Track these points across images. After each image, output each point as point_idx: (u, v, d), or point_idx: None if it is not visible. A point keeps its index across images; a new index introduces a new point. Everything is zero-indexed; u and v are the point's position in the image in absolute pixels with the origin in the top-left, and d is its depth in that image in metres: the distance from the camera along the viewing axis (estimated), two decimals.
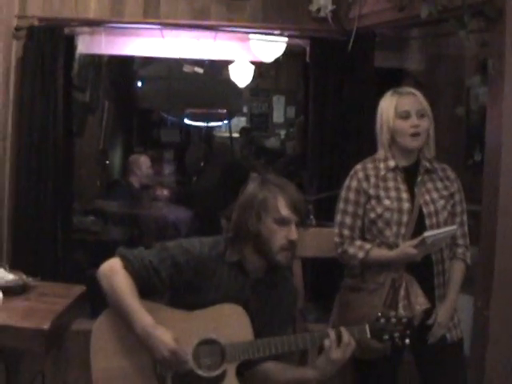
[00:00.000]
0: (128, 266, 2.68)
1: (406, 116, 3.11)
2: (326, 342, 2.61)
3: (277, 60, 5.95)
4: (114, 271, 2.68)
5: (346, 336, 2.60)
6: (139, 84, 9.72)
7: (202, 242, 2.78)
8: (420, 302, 3.02)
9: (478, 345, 3.68)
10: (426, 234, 2.94)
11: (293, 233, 2.69)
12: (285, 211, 2.68)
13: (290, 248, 2.70)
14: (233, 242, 2.78)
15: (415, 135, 3.11)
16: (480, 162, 4.27)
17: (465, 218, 3.24)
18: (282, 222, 2.68)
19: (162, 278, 2.68)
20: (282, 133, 11.31)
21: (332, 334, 2.61)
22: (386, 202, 3.11)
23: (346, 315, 3.11)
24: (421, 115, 3.12)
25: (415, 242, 2.97)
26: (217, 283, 2.73)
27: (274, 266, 2.77)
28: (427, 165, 3.19)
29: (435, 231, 3.01)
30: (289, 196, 2.70)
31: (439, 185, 3.20)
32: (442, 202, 3.15)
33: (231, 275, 2.75)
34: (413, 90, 3.18)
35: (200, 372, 2.61)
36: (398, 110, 3.12)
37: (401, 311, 2.78)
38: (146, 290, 2.68)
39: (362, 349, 2.69)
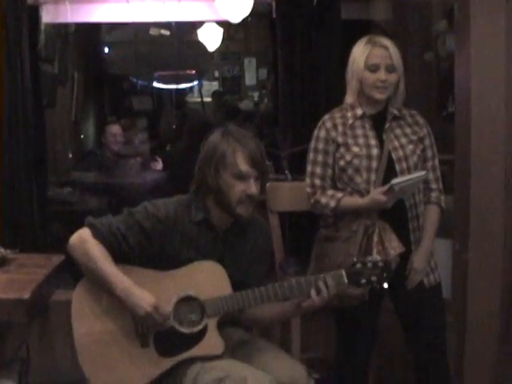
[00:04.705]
0: (97, 234, 2.68)
1: (374, 69, 3.11)
2: (313, 293, 2.64)
3: (245, 21, 5.91)
4: (84, 240, 2.68)
5: (327, 286, 2.64)
6: (106, 50, 9.64)
7: (166, 203, 2.77)
8: (394, 247, 3.03)
9: (458, 287, 3.72)
10: (394, 181, 2.94)
11: (251, 187, 2.69)
12: (243, 166, 2.68)
13: (249, 201, 2.71)
14: (196, 196, 2.78)
15: (381, 88, 3.11)
16: (454, 112, 4.28)
17: (436, 162, 3.25)
18: (241, 176, 2.69)
19: (131, 244, 2.69)
20: (255, 95, 11.26)
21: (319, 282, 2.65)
22: (355, 149, 3.11)
23: (323, 265, 3.11)
24: (390, 70, 3.11)
25: (384, 188, 2.98)
26: (187, 243, 2.74)
27: (236, 219, 2.78)
28: (395, 112, 3.19)
29: (403, 178, 3.01)
30: (248, 150, 2.69)
31: (408, 130, 3.20)
32: (411, 147, 3.16)
33: (200, 232, 2.76)
34: (386, 43, 3.14)
35: (181, 329, 2.63)
36: (367, 62, 3.11)
37: (375, 256, 2.79)
38: (117, 256, 2.68)
39: (339, 297, 2.71)
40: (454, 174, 3.77)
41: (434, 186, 3.23)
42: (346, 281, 2.66)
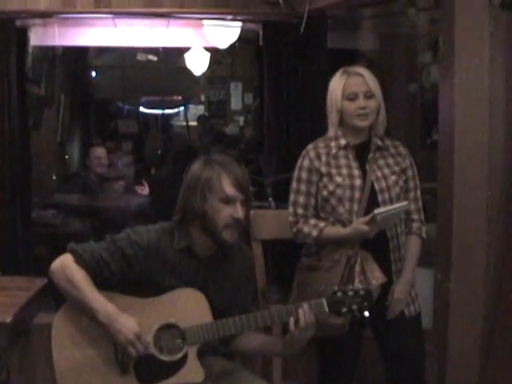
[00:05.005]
0: (79, 259, 2.67)
1: (352, 98, 3.13)
2: (291, 322, 2.64)
3: (232, 47, 5.96)
4: (66, 266, 2.67)
5: (305, 316, 2.63)
6: (93, 74, 9.66)
7: (148, 231, 2.77)
8: (376, 277, 3.04)
9: (440, 317, 3.72)
10: (377, 211, 2.95)
11: (238, 211, 2.70)
12: (229, 190, 2.69)
13: (235, 226, 2.72)
14: (180, 224, 2.78)
15: (362, 116, 3.13)
16: (437, 141, 4.32)
17: (418, 193, 3.26)
18: (227, 200, 2.69)
19: (113, 270, 2.68)
20: (241, 119, 11.30)
21: (300, 310, 2.63)
22: (338, 179, 3.13)
23: (305, 294, 3.11)
24: (368, 96, 3.14)
25: (366, 218, 2.99)
26: (170, 270, 2.73)
27: (221, 244, 2.78)
28: (378, 142, 3.21)
29: (385, 208, 3.02)
30: (233, 175, 2.71)
31: (391, 161, 3.22)
32: (393, 178, 3.17)
33: (183, 260, 2.75)
34: (361, 71, 3.17)
35: (162, 356, 2.62)
36: (345, 92, 3.13)
37: (357, 285, 2.80)
38: (99, 283, 2.67)
39: (320, 326, 2.71)
40: (437, 203, 3.80)
41: (415, 216, 3.24)
42: (327, 309, 2.66)
